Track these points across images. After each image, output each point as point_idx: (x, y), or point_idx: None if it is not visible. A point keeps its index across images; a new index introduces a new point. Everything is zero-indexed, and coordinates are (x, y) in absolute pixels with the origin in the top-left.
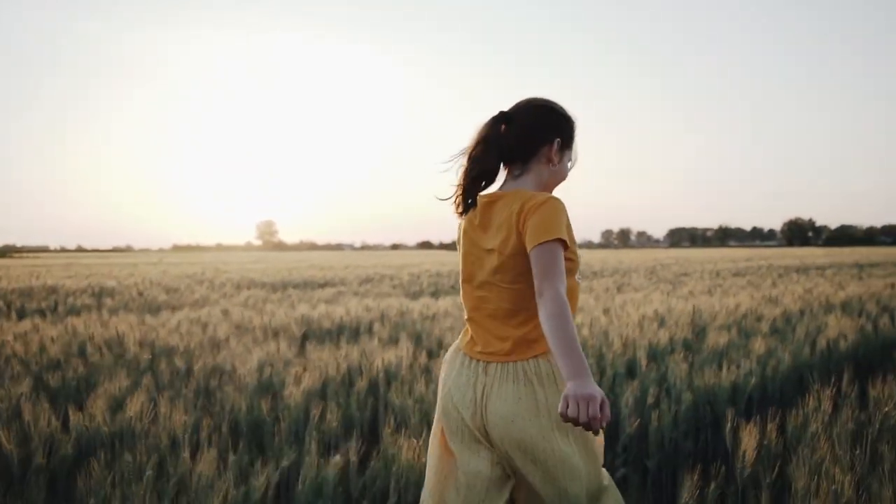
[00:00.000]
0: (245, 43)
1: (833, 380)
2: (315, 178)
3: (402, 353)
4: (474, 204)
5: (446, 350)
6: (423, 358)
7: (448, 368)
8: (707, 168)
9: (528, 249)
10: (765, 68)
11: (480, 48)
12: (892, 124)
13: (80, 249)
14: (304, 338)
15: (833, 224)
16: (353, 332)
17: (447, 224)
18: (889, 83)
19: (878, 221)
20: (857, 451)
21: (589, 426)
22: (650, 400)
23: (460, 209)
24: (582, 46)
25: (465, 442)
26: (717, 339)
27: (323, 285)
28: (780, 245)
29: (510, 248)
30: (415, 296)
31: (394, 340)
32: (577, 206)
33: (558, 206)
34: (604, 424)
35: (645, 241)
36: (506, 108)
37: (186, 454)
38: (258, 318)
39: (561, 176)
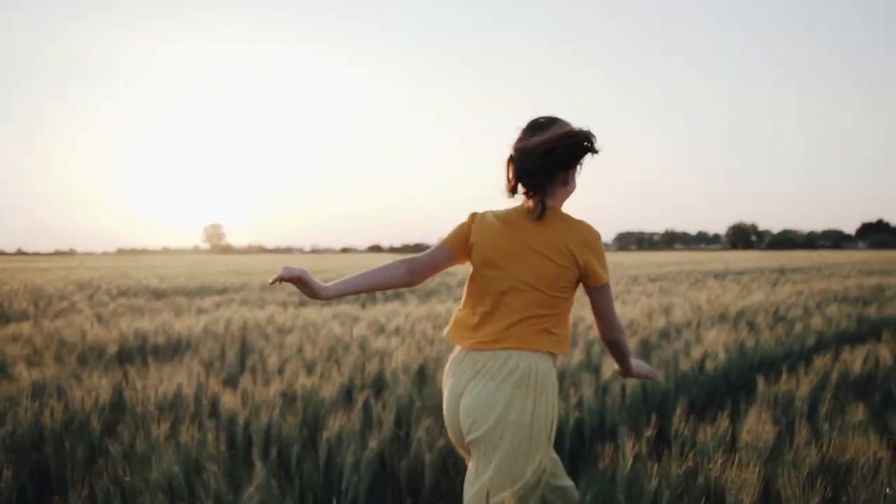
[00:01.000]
0: (192, 46)
1: (653, 419)
2: (267, 181)
3: (184, 379)
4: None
5: (259, 374)
6: (214, 386)
7: (445, 378)
8: (654, 172)
9: (596, 283)
10: (708, 75)
11: (433, 49)
12: (833, 132)
13: (20, 252)
14: (125, 356)
15: (775, 228)
16: (186, 347)
17: (397, 228)
18: (829, 90)
19: (819, 226)
20: None
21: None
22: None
23: (537, 204)
24: (526, 47)
25: (459, 444)
26: (564, 361)
27: (220, 292)
28: (724, 249)
29: (562, 264)
30: (305, 304)
31: (214, 359)
32: None
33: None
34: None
35: None
36: (519, 143)
37: None
38: (93, 331)
39: (572, 189)
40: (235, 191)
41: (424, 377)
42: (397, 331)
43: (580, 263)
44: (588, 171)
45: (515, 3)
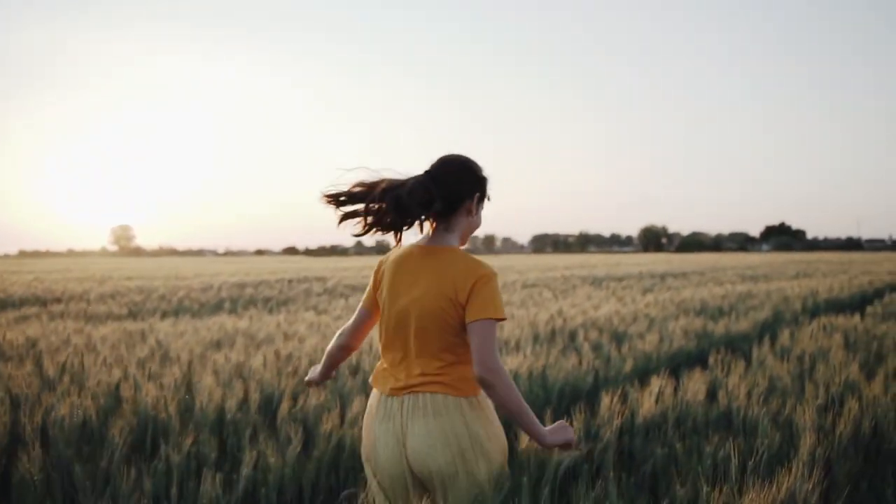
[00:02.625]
0: (100, 45)
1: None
2: (179, 182)
3: None
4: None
5: None
6: None
7: (369, 419)
8: (570, 175)
9: (472, 319)
10: (621, 81)
11: (344, 48)
12: (739, 138)
13: None
14: None
15: (685, 231)
16: None
17: (312, 230)
18: (735, 98)
19: (726, 229)
20: None
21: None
22: None
23: (381, 233)
24: (442, 47)
25: (395, 492)
26: (287, 408)
27: (47, 302)
28: (636, 251)
29: (446, 301)
30: (133, 316)
31: None
32: None
33: (498, 284)
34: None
35: (510, 246)
36: (430, 167)
37: None
38: None
39: (477, 224)
40: (146, 191)
41: (90, 433)
42: (164, 357)
43: (461, 299)
44: (506, 173)
45: (429, 2)
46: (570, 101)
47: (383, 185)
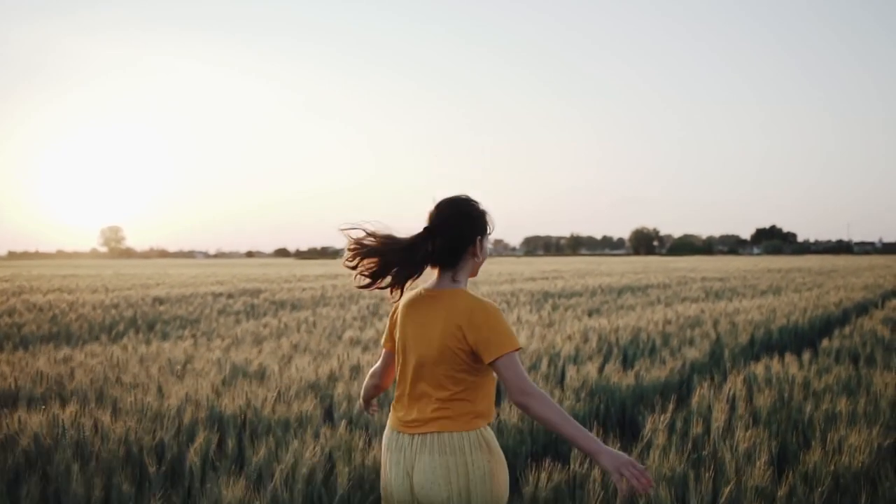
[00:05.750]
0: (93, 43)
1: None
2: (170, 183)
3: None
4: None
5: None
6: None
7: (384, 453)
8: (560, 175)
9: (493, 357)
10: (612, 81)
11: (335, 48)
12: (734, 141)
13: None
14: None
15: (677, 233)
16: None
17: (304, 232)
18: (726, 101)
19: (718, 231)
20: None
21: (641, 484)
22: None
23: (394, 294)
24: (435, 49)
25: None
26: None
27: None
28: (627, 253)
29: (453, 343)
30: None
31: None
32: None
33: (501, 315)
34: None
35: (502, 249)
36: (430, 219)
37: None
38: None
39: (483, 260)
40: (138, 193)
41: None
42: None
43: (470, 343)
44: (497, 175)
45: (419, 4)
46: (562, 102)
47: (390, 244)
